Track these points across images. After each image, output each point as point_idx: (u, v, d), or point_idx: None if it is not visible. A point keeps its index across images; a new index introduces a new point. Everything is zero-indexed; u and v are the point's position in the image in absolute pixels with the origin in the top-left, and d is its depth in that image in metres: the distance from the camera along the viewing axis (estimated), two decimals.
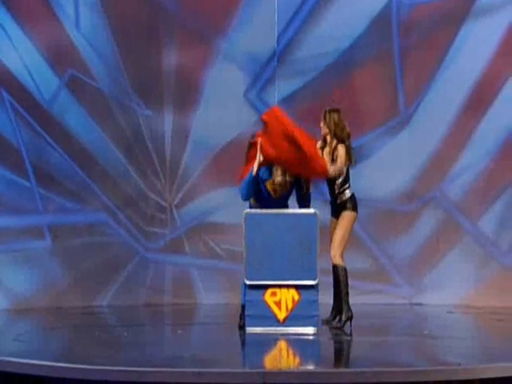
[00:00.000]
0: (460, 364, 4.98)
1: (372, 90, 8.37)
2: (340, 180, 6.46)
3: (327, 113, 6.50)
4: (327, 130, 6.48)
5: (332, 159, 6.43)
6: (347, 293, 6.41)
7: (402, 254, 8.32)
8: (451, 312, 7.65)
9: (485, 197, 8.18)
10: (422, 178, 8.33)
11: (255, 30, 8.43)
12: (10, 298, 7.95)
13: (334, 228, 6.49)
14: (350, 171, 6.54)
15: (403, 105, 8.35)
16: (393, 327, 7.22)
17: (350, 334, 6.25)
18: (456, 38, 8.22)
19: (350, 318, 6.39)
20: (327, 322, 6.46)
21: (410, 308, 8.11)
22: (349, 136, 6.48)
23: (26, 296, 8.00)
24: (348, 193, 6.48)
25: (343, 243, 6.45)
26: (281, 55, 8.48)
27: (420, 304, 8.20)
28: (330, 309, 6.55)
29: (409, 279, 8.32)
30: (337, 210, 6.50)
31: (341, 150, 6.41)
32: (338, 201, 6.47)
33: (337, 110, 6.52)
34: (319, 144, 6.54)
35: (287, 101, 8.45)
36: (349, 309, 6.38)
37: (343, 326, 6.38)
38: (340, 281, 6.40)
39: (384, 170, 8.27)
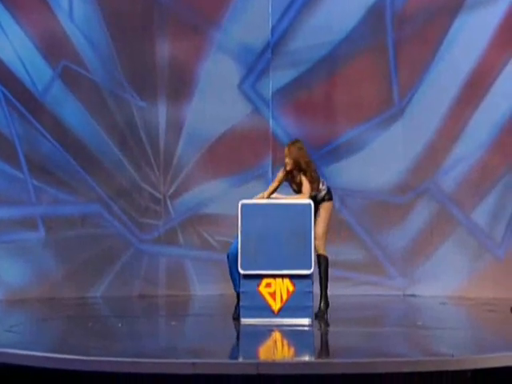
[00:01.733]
0: (453, 355, 5.00)
1: (366, 82, 8.36)
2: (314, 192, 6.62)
3: (290, 147, 6.63)
4: (293, 165, 6.58)
5: (300, 190, 6.59)
6: (327, 282, 6.60)
7: (396, 246, 8.33)
8: (444, 303, 7.68)
9: (478, 189, 8.19)
10: (415, 169, 8.34)
11: (249, 22, 8.42)
12: (4, 289, 7.94)
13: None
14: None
15: (397, 96, 8.36)
16: (386, 318, 7.24)
17: (328, 323, 6.32)
18: (450, 29, 8.22)
19: (327, 307, 6.57)
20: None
21: (403, 299, 8.13)
22: (309, 164, 6.61)
23: (20, 287, 7.99)
24: (324, 189, 6.65)
25: (327, 234, 6.64)
26: (275, 46, 8.47)
27: (413, 295, 8.22)
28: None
29: (402, 271, 8.34)
30: (315, 202, 6.66)
31: (305, 182, 6.55)
32: (317, 200, 6.64)
33: (296, 142, 6.66)
34: (281, 173, 6.65)
35: (281, 92, 8.45)
36: (327, 297, 6.57)
37: (324, 315, 6.48)
38: (324, 270, 6.58)
39: (378, 162, 8.28)
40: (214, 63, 8.48)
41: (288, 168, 6.61)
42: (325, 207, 6.63)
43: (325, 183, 6.69)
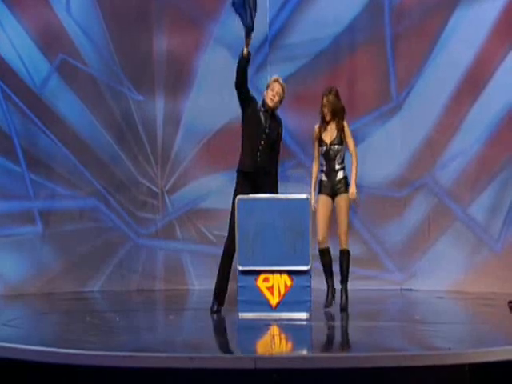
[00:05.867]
0: (450, 349, 5.01)
1: (364, 76, 8.36)
2: (341, 158, 6.62)
3: (329, 95, 6.62)
4: (331, 114, 6.59)
5: (340, 138, 6.59)
6: (348, 276, 6.66)
7: (393, 240, 8.34)
8: (442, 297, 7.68)
9: (476, 183, 8.19)
10: (413, 164, 8.34)
11: None
12: (2, 284, 7.94)
13: (327, 205, 6.58)
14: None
15: (395, 90, 8.35)
16: (384, 313, 7.25)
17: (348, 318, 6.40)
18: (448, 23, 8.21)
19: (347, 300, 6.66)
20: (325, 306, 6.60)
21: (400, 293, 8.14)
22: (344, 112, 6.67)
23: (18, 281, 7.99)
24: (343, 173, 6.64)
25: (349, 227, 6.64)
26: (273, 41, 8.46)
27: (411, 290, 8.23)
28: (324, 294, 6.62)
29: (400, 265, 8.35)
30: (331, 187, 6.63)
31: (347, 128, 6.62)
32: (337, 178, 6.60)
33: (332, 89, 6.66)
34: (317, 129, 6.69)
35: None
36: (347, 291, 6.63)
37: (347, 308, 6.57)
38: (346, 265, 6.61)
39: (376, 156, 8.27)
40: (211, 57, 8.47)
41: (328, 118, 6.57)
42: (345, 199, 6.57)
43: (345, 170, 6.63)
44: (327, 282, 6.67)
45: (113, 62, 8.39)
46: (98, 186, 8.32)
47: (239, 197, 6.37)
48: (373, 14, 8.33)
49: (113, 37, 8.35)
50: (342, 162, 6.64)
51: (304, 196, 6.37)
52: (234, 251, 6.35)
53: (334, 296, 6.64)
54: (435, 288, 8.00)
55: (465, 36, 8.16)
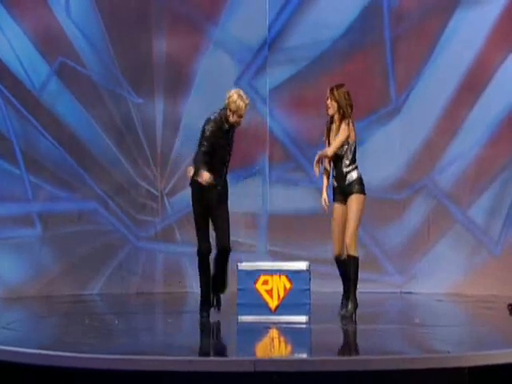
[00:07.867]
0: (449, 352, 5.00)
1: (363, 79, 8.35)
2: (348, 160, 6.32)
3: (335, 90, 6.28)
4: (336, 108, 6.28)
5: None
6: (356, 283, 6.36)
7: (393, 243, 8.33)
8: (441, 300, 7.68)
9: (475, 185, 8.19)
10: (412, 166, 8.34)
11: (246, 18, 8.41)
12: (0, 286, 7.93)
13: (341, 213, 6.32)
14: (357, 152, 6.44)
15: (394, 93, 8.35)
16: (383, 315, 7.24)
17: (356, 323, 6.29)
18: (448, 25, 8.21)
19: (356, 308, 6.40)
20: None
21: (400, 296, 8.14)
22: (352, 110, 6.31)
23: (17, 284, 7.98)
24: (355, 174, 6.33)
25: (357, 230, 6.29)
26: (272, 43, 8.46)
27: (410, 292, 8.22)
28: (324, 296, 6.60)
29: (399, 268, 8.34)
30: (343, 192, 6.33)
31: (342, 130, 6.23)
32: (346, 182, 6.30)
33: (342, 85, 6.33)
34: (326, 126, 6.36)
35: (278, 89, 8.44)
36: (356, 299, 6.36)
37: (352, 316, 6.37)
38: (354, 272, 6.29)
39: (375, 159, 8.25)
40: (210, 60, 8.46)
41: (330, 112, 6.22)
42: (356, 200, 6.24)
43: (358, 170, 6.30)
44: (343, 288, 6.41)
45: (112, 65, 8.38)
46: (97, 188, 8.31)
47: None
48: (372, 17, 8.32)
49: (112, 39, 8.35)
50: (352, 162, 6.30)
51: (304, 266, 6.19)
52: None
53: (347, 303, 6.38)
54: (435, 290, 7.99)
55: (464, 38, 8.15)
